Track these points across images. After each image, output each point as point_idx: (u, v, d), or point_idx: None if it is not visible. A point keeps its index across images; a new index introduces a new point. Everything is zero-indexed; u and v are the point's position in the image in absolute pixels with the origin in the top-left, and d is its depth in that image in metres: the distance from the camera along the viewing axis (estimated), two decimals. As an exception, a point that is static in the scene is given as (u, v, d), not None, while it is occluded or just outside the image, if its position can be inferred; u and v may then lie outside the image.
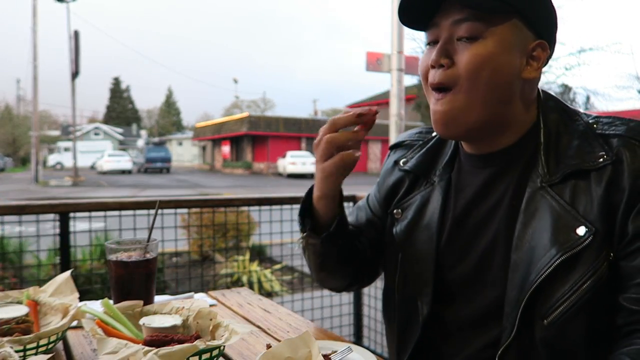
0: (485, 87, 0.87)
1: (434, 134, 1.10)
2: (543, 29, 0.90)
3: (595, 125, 0.90)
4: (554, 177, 0.87)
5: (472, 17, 0.86)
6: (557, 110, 0.94)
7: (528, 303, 0.84)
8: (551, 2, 0.92)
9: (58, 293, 1.03)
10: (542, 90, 0.98)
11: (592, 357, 0.84)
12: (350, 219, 1.17)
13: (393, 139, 3.85)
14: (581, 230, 0.82)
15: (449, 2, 0.88)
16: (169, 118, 75.15)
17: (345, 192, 1.14)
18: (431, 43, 0.92)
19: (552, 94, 0.99)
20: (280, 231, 2.88)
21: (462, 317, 0.97)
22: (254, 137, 32.41)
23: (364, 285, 1.24)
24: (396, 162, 1.12)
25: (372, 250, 1.14)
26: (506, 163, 0.94)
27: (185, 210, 3.59)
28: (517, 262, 0.87)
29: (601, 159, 0.85)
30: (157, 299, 1.12)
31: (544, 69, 0.93)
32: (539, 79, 0.93)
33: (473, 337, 0.95)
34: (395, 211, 1.07)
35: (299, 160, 27.43)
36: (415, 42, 11.30)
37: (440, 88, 0.90)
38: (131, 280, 1.05)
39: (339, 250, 1.04)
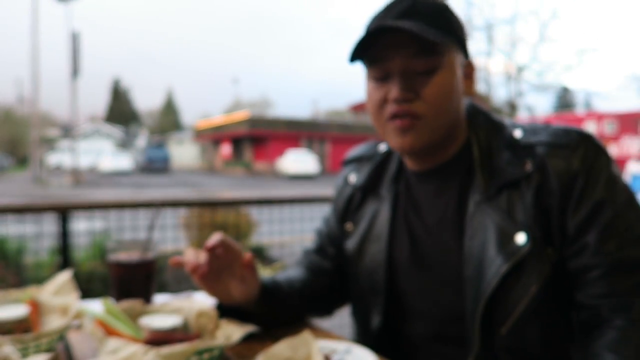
0: (448, 113, 0.93)
1: (382, 147, 1.12)
2: (467, 49, 0.96)
3: (520, 135, 0.94)
4: (491, 191, 0.91)
5: (426, 50, 0.89)
6: (486, 124, 0.98)
7: (485, 315, 0.88)
8: None
9: (58, 293, 1.02)
10: (471, 104, 1.01)
11: (550, 354, 0.90)
12: (314, 244, 1.20)
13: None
14: (521, 238, 0.86)
15: (398, 35, 0.88)
16: (169, 118, 75.16)
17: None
18: (380, 78, 0.93)
19: (480, 107, 1.02)
20: (280, 231, 2.89)
21: (422, 331, 0.99)
22: (254, 137, 32.39)
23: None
24: (346, 178, 1.15)
25: (339, 271, 1.15)
26: (445, 178, 0.98)
27: (185, 210, 3.58)
28: (470, 277, 0.90)
29: (528, 167, 0.89)
30: (157, 299, 1.12)
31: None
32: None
33: (438, 352, 0.97)
34: (347, 225, 1.10)
35: (300, 160, 27.42)
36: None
37: (403, 115, 0.91)
38: (131, 280, 1.05)
39: (288, 307, 1.06)
